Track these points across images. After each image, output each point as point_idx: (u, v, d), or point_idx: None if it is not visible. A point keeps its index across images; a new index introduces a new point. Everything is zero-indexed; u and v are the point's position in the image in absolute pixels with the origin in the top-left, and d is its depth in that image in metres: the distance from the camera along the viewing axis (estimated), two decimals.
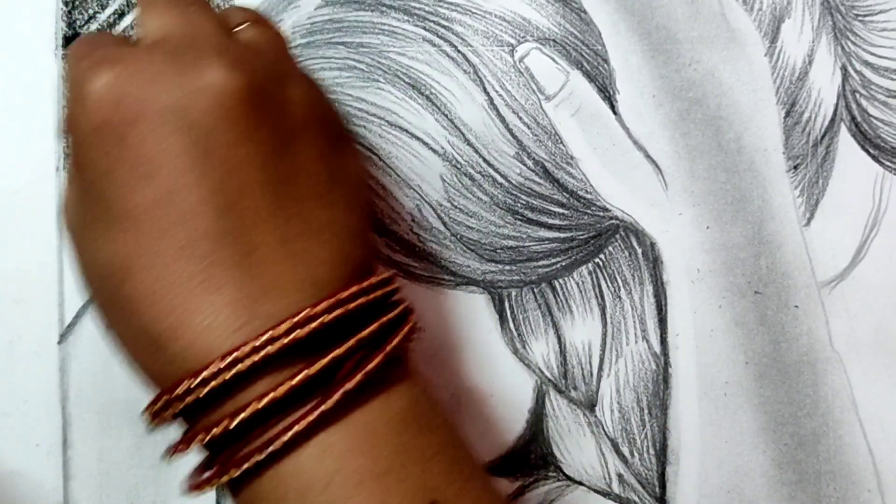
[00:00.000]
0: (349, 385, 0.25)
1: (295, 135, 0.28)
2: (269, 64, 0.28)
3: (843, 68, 0.40)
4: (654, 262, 0.38)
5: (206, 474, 0.26)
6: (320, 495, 0.25)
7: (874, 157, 0.39)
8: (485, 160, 0.38)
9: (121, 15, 0.38)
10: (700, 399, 0.38)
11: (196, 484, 0.26)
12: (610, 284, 0.38)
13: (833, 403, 0.38)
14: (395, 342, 0.27)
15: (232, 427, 0.25)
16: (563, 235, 0.38)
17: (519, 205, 0.38)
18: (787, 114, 0.39)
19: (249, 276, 0.26)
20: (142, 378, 0.27)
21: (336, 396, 0.25)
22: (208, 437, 0.25)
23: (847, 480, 0.37)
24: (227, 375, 0.24)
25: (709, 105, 0.39)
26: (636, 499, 0.37)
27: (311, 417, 0.25)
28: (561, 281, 0.38)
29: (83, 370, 0.36)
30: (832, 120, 0.39)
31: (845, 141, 0.39)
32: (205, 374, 0.25)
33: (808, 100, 0.39)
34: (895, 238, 0.39)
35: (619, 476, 0.38)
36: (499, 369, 0.38)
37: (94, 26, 0.38)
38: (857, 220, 0.39)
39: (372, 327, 0.27)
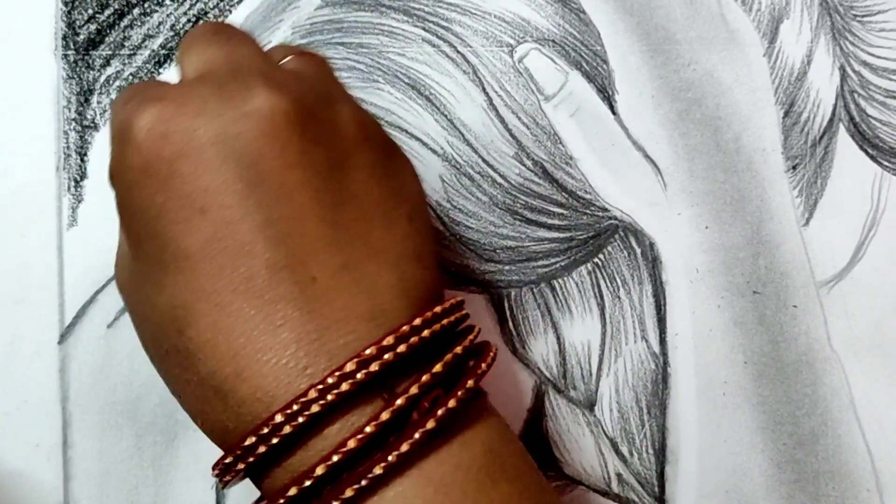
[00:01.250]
0: (424, 430, 0.23)
1: (348, 155, 0.27)
2: (315, 86, 0.27)
3: (842, 68, 0.40)
4: (653, 262, 0.38)
5: None
6: None
7: (872, 158, 0.39)
8: (484, 160, 0.38)
9: (121, 15, 0.38)
10: (699, 398, 0.38)
11: None
12: (609, 284, 0.38)
13: (831, 403, 0.38)
14: (474, 377, 0.25)
15: (299, 491, 0.23)
16: (562, 235, 0.38)
17: (518, 205, 0.38)
18: (786, 114, 0.39)
19: (311, 310, 0.24)
20: (209, 434, 0.26)
21: (408, 444, 0.23)
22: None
23: (845, 480, 0.38)
24: (296, 422, 0.23)
25: (707, 105, 0.39)
26: (635, 498, 0.37)
27: (379, 470, 0.23)
28: (560, 281, 0.38)
29: (83, 370, 0.36)
30: (831, 120, 0.39)
31: (844, 141, 0.39)
32: (276, 419, 0.23)
33: (807, 100, 0.39)
34: (893, 238, 0.39)
35: (618, 475, 0.38)
36: (498, 369, 0.38)
37: (93, 27, 0.38)
38: (856, 219, 0.39)
39: (447, 358, 0.25)
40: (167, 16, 0.38)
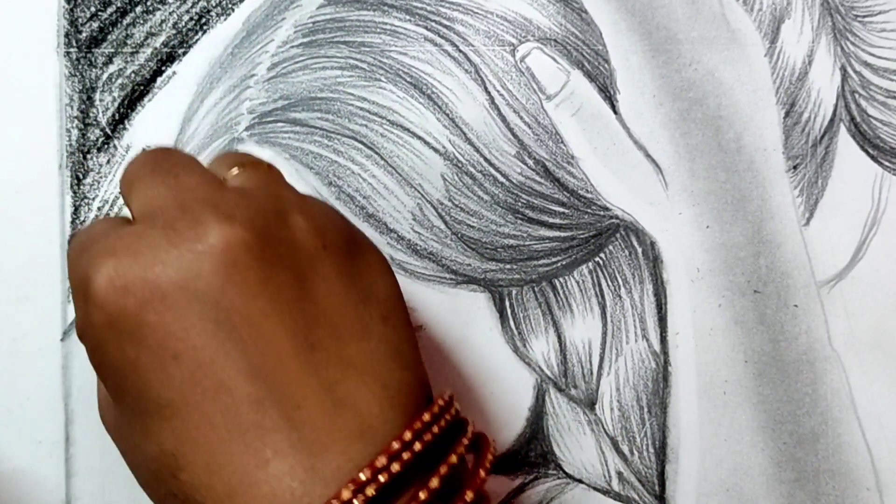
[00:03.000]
0: None
1: (311, 268, 0.26)
2: (266, 203, 0.27)
3: (843, 69, 0.40)
4: (654, 261, 0.38)
5: None
6: None
7: (873, 158, 0.40)
8: (486, 159, 0.38)
9: (123, 13, 0.38)
10: (699, 397, 0.38)
11: None
12: (610, 283, 0.38)
13: (832, 402, 0.38)
14: (474, 486, 0.25)
15: None
16: (563, 234, 0.38)
17: (520, 204, 0.38)
18: (787, 114, 0.39)
19: (300, 438, 0.24)
20: None
21: None
22: None
23: (846, 479, 0.38)
24: None
25: (709, 105, 0.39)
26: (636, 497, 0.38)
27: None
28: (561, 280, 0.38)
29: (86, 367, 0.36)
30: (831, 120, 0.40)
31: (845, 141, 0.39)
32: None
33: (808, 100, 0.39)
34: (894, 237, 0.39)
35: (619, 474, 0.38)
36: (499, 368, 0.38)
37: (95, 24, 0.38)
38: (857, 219, 0.39)
39: (443, 471, 0.24)
40: (170, 14, 0.38)
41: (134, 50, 0.38)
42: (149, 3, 0.38)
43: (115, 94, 0.38)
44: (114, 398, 0.26)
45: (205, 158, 0.38)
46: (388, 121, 0.38)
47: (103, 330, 0.25)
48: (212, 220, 0.25)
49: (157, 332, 0.24)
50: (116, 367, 0.25)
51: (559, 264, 0.38)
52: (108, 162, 0.37)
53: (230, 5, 0.39)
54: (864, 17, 0.40)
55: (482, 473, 0.25)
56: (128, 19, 0.38)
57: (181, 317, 0.24)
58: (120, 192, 0.30)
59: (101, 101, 0.38)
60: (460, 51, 0.38)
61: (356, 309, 0.26)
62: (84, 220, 0.37)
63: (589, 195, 0.38)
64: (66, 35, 0.38)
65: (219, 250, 0.25)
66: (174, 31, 0.38)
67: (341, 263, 0.27)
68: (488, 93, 0.38)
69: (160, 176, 0.28)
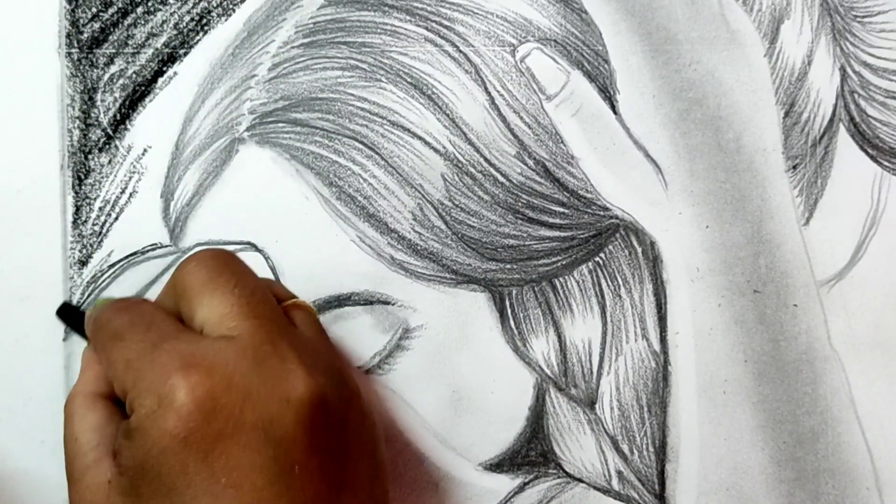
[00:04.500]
0: None
1: (349, 444, 0.29)
2: (332, 359, 0.29)
3: (842, 69, 0.40)
4: (654, 261, 0.38)
5: None
6: None
7: (872, 158, 0.40)
8: (486, 159, 0.38)
9: (124, 13, 0.38)
10: (699, 397, 0.38)
11: None
12: (610, 283, 0.38)
13: (832, 401, 0.38)
14: None
15: None
16: (563, 234, 0.38)
17: (520, 204, 0.38)
18: (787, 114, 0.39)
19: None
20: None
21: None
22: None
23: (845, 478, 0.38)
24: None
25: (709, 105, 0.39)
26: (636, 496, 0.38)
27: None
28: (561, 279, 0.38)
29: None
30: (831, 120, 0.40)
31: (844, 141, 0.40)
32: None
33: (808, 100, 0.40)
34: (893, 237, 0.39)
35: (619, 473, 0.38)
36: (499, 367, 0.38)
37: (97, 25, 0.38)
38: (856, 219, 0.39)
39: None
40: (171, 14, 0.39)
41: (135, 50, 0.38)
42: (150, 4, 0.39)
43: (117, 95, 0.38)
44: (132, 493, 0.27)
45: (204, 160, 0.38)
46: (389, 121, 0.38)
47: (173, 440, 0.26)
48: (299, 370, 0.27)
49: (223, 462, 0.26)
50: (166, 475, 0.26)
51: (559, 264, 0.38)
52: (110, 162, 0.38)
53: (231, 6, 0.39)
54: (864, 17, 0.40)
55: None
56: (129, 20, 0.38)
57: (250, 456, 0.26)
58: (173, 285, 0.30)
59: (102, 101, 0.38)
60: (460, 51, 0.38)
61: (370, 484, 0.30)
62: (86, 221, 0.37)
63: (589, 195, 0.38)
64: (68, 36, 0.38)
65: (304, 405, 0.27)
66: (175, 32, 0.39)
67: (370, 443, 0.30)
68: (488, 93, 0.38)
69: (236, 288, 0.29)
